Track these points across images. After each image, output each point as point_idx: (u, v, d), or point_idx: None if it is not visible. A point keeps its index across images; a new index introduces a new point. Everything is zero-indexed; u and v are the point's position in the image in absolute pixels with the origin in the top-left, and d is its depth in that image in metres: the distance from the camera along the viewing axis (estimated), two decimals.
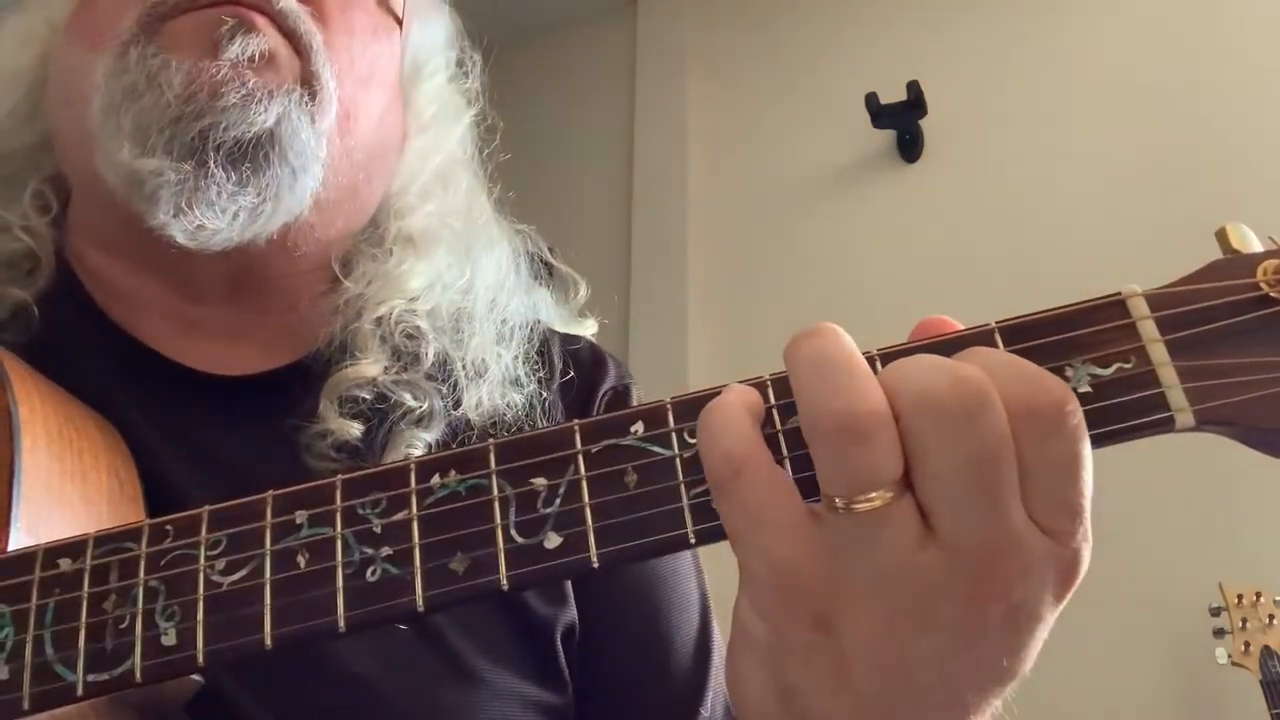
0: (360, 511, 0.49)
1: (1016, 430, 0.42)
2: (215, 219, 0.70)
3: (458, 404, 0.77)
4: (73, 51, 0.76)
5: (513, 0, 3.48)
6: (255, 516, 0.50)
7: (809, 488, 0.45)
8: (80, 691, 0.49)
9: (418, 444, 0.74)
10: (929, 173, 3.02)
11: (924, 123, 3.00)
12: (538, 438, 0.49)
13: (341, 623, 0.47)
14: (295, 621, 0.48)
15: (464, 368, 0.78)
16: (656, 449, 0.47)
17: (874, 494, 0.43)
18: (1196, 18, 2.82)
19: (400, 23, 0.84)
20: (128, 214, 0.71)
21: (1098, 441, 0.44)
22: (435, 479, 0.49)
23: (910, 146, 3.03)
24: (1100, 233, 2.64)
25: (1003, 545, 0.43)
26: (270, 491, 0.50)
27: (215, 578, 0.49)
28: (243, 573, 0.49)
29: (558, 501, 0.47)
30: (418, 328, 0.78)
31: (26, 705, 0.49)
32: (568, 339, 0.90)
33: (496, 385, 0.79)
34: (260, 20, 0.72)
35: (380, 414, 0.75)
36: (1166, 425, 0.45)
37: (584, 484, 0.47)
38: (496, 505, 0.48)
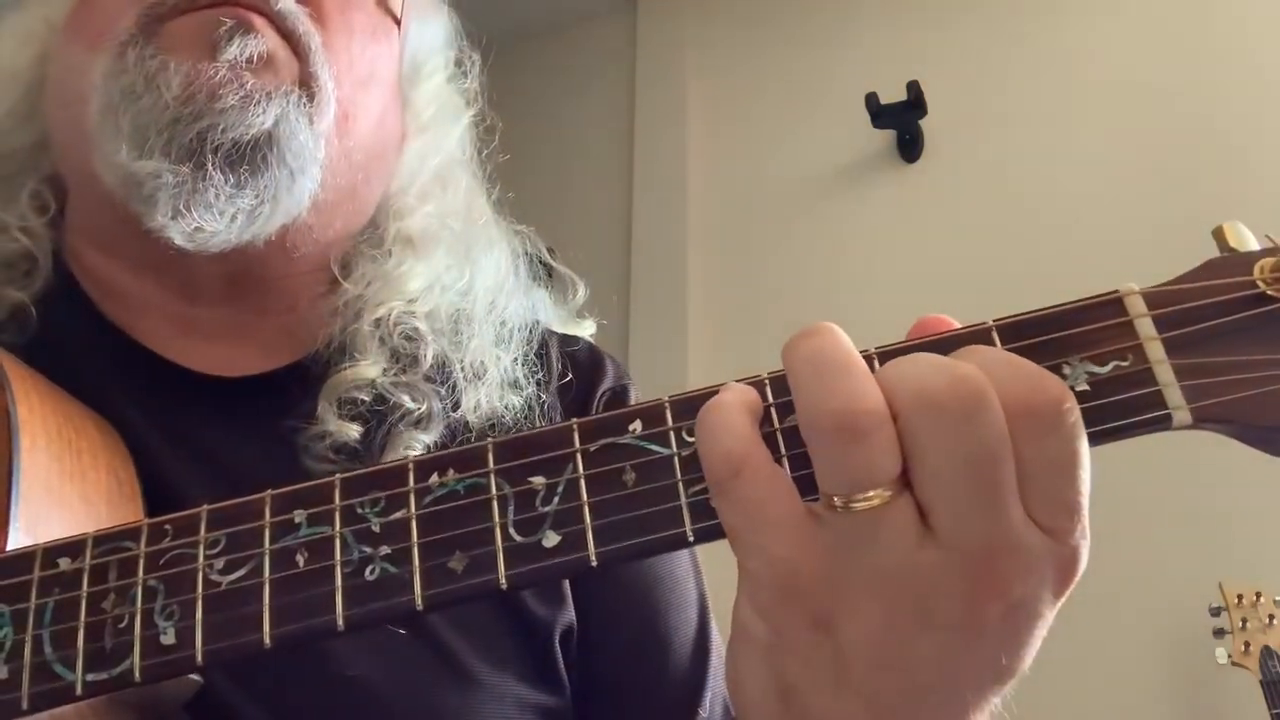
0: (359, 510, 0.49)
1: (1014, 429, 0.42)
2: (213, 221, 0.70)
3: (456, 406, 0.77)
4: (71, 51, 0.75)
5: (513, 1, 3.48)
6: (254, 516, 0.50)
7: (807, 486, 0.45)
8: (79, 691, 0.49)
9: (416, 445, 0.74)
10: (929, 173, 3.02)
11: (924, 123, 3.00)
12: (536, 436, 0.49)
13: (340, 621, 0.47)
14: (294, 620, 0.48)
15: (462, 370, 0.78)
16: (655, 447, 0.47)
17: (872, 493, 0.43)
18: (1196, 18, 2.82)
19: (399, 23, 0.84)
20: (126, 215, 0.71)
21: (1095, 440, 0.44)
22: (434, 478, 0.49)
23: (910, 146, 3.03)
24: (1100, 233, 2.64)
25: (1001, 543, 0.43)
26: (269, 491, 0.50)
27: (214, 577, 0.49)
28: (242, 572, 0.49)
29: (556, 500, 0.47)
30: (416, 329, 0.78)
31: (25, 705, 0.49)
32: (566, 340, 0.90)
33: (495, 387, 0.79)
34: (259, 21, 0.72)
35: (379, 416, 0.75)
36: (1164, 423, 0.45)
37: (582, 483, 0.47)
38: (495, 504, 0.48)
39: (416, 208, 0.83)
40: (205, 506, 0.51)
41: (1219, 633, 2.17)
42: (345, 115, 0.76)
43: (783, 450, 0.46)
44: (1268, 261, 0.46)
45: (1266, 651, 2.10)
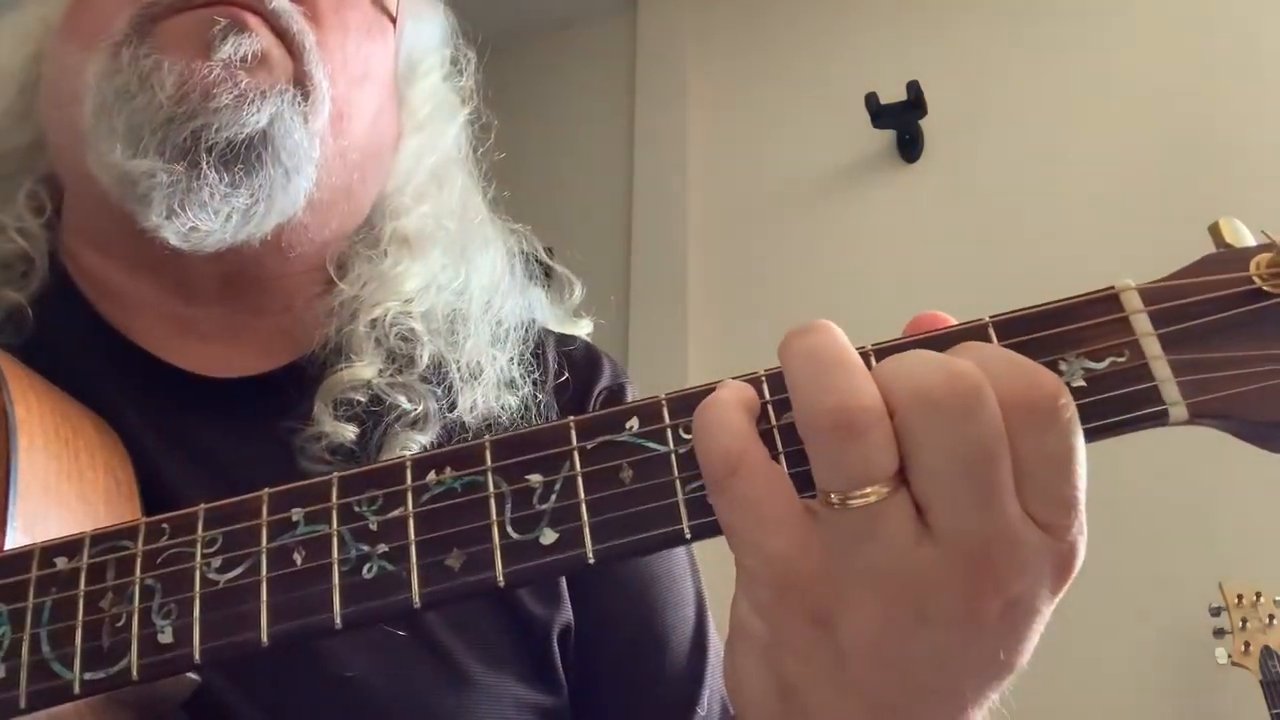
0: (356, 509, 0.49)
1: (1010, 425, 0.42)
2: (208, 220, 0.70)
3: (453, 406, 0.77)
4: (65, 51, 0.75)
5: (514, 0, 3.49)
6: (251, 514, 0.50)
7: (804, 483, 0.45)
8: (77, 689, 0.49)
9: (413, 446, 0.74)
10: (929, 173, 3.02)
11: (924, 123, 3.00)
12: (533, 434, 0.49)
13: (338, 620, 0.47)
14: (291, 618, 0.48)
15: (459, 370, 0.78)
16: (652, 445, 0.47)
17: (869, 489, 0.43)
18: (1196, 18, 2.83)
19: (394, 21, 0.84)
20: (121, 215, 0.71)
21: (1092, 436, 0.44)
22: (431, 476, 0.49)
23: (910, 146, 3.03)
24: (1100, 233, 2.64)
25: (998, 540, 0.43)
26: (266, 489, 0.50)
27: (211, 575, 0.49)
28: (239, 570, 0.49)
29: (553, 498, 0.47)
30: (413, 330, 0.78)
31: (23, 703, 0.49)
32: (563, 339, 0.90)
33: (491, 388, 0.79)
34: (253, 20, 0.71)
35: (375, 416, 0.75)
36: (1160, 419, 0.45)
37: (579, 480, 0.47)
38: (492, 501, 0.48)
39: (412, 207, 0.83)
40: (202, 505, 0.51)
41: (1219, 633, 2.17)
42: (340, 114, 0.75)
43: (780, 447, 0.46)
44: (1264, 257, 0.46)
45: (1266, 651, 2.11)
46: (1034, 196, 2.82)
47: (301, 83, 0.73)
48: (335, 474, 0.50)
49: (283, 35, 0.73)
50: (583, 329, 0.94)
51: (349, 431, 0.73)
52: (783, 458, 0.46)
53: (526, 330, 0.85)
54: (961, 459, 0.42)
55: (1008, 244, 2.77)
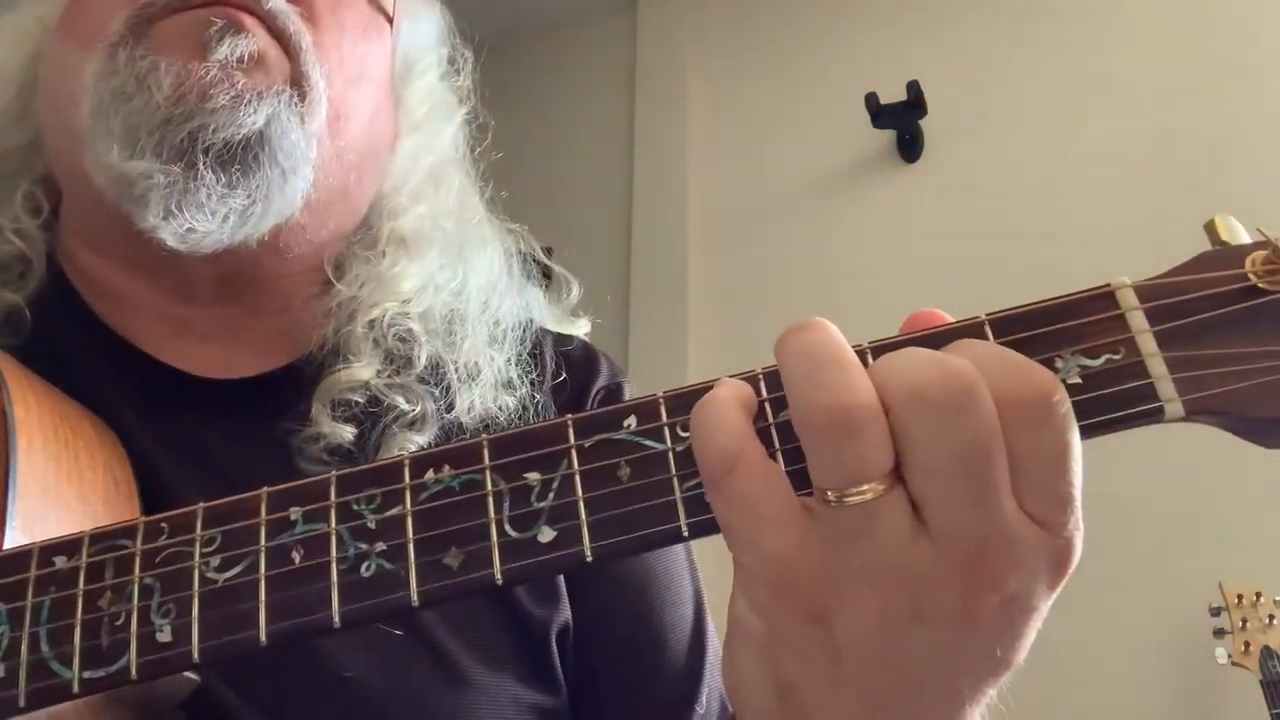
0: (355, 507, 0.49)
1: (1005, 422, 0.42)
2: (205, 221, 0.70)
3: (450, 407, 0.77)
4: (62, 52, 0.75)
5: (514, 0, 3.49)
6: (250, 513, 0.50)
7: (801, 480, 0.45)
8: (76, 688, 0.49)
9: (410, 447, 0.74)
10: (929, 173, 3.02)
11: (924, 123, 3.01)
12: (531, 432, 0.49)
13: (336, 618, 0.47)
14: (290, 617, 0.48)
15: (456, 370, 0.78)
16: (649, 443, 0.47)
17: (865, 487, 0.43)
18: (1196, 18, 2.83)
19: (391, 20, 0.84)
20: (118, 216, 0.71)
21: (1088, 432, 0.44)
22: (429, 474, 0.49)
23: (910, 146, 3.03)
24: (1100, 232, 2.64)
25: (994, 536, 0.43)
26: (265, 488, 0.50)
27: (210, 574, 0.49)
28: (238, 569, 0.49)
29: (551, 496, 0.47)
30: (410, 330, 0.78)
31: (22, 702, 0.49)
32: (561, 339, 0.90)
33: (489, 388, 0.79)
34: (249, 21, 0.71)
35: (373, 417, 0.75)
36: (1156, 415, 0.45)
37: (577, 478, 0.47)
38: (490, 500, 0.48)
39: (410, 208, 0.83)
40: (201, 504, 0.51)
41: (1219, 633, 2.17)
42: (337, 115, 0.75)
43: (777, 445, 0.46)
44: (1259, 254, 0.46)
45: (1266, 651, 2.11)
46: (1034, 196, 2.82)
47: (298, 83, 0.73)
48: (333, 473, 0.50)
49: (279, 36, 0.73)
50: (580, 329, 0.94)
51: (347, 432, 0.73)
52: (780, 455, 0.46)
53: (524, 330, 0.85)
54: (957, 456, 0.42)
55: (1008, 244, 2.77)
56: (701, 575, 0.84)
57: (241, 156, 0.70)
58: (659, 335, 3.09)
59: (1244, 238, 0.48)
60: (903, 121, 2.99)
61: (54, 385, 0.68)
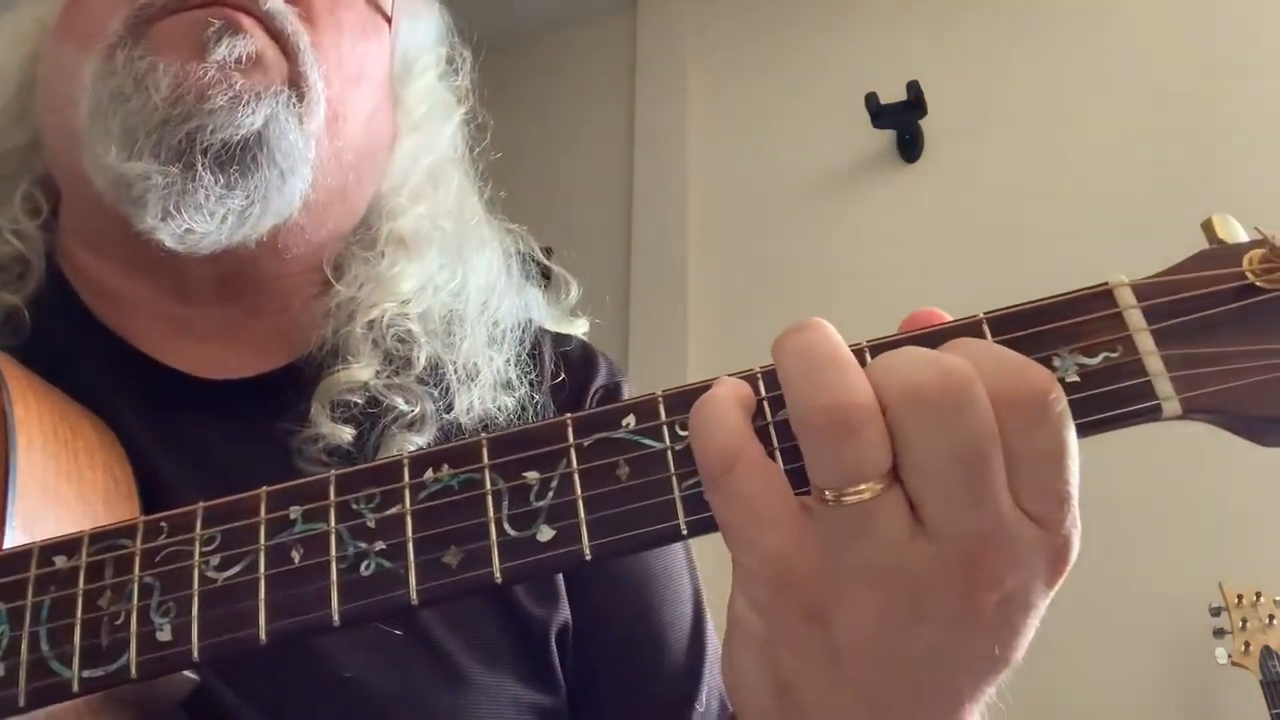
0: (354, 506, 0.49)
1: (1002, 420, 0.42)
2: (203, 222, 0.70)
3: (449, 408, 0.77)
4: (61, 52, 0.75)
5: (513, 0, 3.49)
6: (249, 512, 0.50)
7: (800, 479, 0.45)
8: (75, 687, 0.49)
9: (409, 448, 0.74)
10: (929, 173, 3.02)
11: (924, 123, 3.01)
12: (530, 432, 0.49)
13: (335, 617, 0.47)
14: (290, 615, 0.48)
15: (455, 371, 0.78)
16: (648, 442, 0.47)
17: (863, 486, 0.43)
18: (1196, 17, 2.83)
19: (389, 20, 0.83)
20: (116, 217, 0.71)
21: (1086, 431, 0.44)
22: (428, 473, 0.49)
23: (910, 146, 3.03)
24: (1099, 232, 2.64)
25: (992, 535, 0.43)
26: (264, 488, 0.51)
27: (210, 573, 0.49)
28: (237, 568, 0.49)
29: (550, 495, 0.47)
30: (409, 331, 0.78)
31: (22, 702, 0.49)
32: (559, 339, 0.90)
33: (488, 389, 0.79)
34: (247, 21, 0.71)
35: (372, 418, 0.75)
36: (1153, 414, 0.45)
37: (576, 477, 0.47)
38: (489, 499, 0.48)
39: (408, 208, 0.83)
40: (201, 504, 0.51)
41: (1219, 633, 2.17)
42: (335, 115, 0.75)
43: (775, 444, 0.46)
44: (1257, 253, 0.46)
45: (1266, 651, 2.11)
46: (1034, 196, 2.82)
47: (296, 84, 0.73)
48: (333, 472, 0.50)
49: (277, 36, 0.73)
50: (579, 328, 0.94)
51: (346, 433, 0.73)
52: (778, 454, 0.46)
53: (523, 330, 0.85)
54: (953, 455, 0.42)
55: (1008, 244, 2.77)
56: (701, 574, 0.84)
57: (240, 157, 0.70)
58: (659, 335, 3.09)
59: (1241, 236, 0.48)
60: (903, 121, 2.99)
61: (54, 385, 0.68)
